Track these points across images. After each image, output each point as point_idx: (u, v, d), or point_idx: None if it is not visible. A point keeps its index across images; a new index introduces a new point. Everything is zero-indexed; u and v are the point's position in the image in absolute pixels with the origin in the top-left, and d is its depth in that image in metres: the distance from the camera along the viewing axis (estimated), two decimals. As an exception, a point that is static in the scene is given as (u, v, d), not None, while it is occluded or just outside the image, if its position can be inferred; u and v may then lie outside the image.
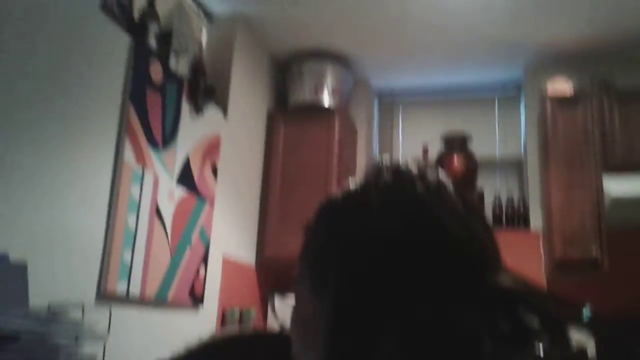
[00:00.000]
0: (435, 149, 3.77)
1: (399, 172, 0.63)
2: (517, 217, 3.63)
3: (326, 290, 0.60)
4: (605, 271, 3.13)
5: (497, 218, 3.64)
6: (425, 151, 3.77)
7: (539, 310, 0.54)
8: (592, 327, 0.54)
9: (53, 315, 1.39)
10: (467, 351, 0.48)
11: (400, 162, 0.65)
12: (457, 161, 3.65)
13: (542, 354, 0.61)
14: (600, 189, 3.19)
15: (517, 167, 3.93)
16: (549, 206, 3.31)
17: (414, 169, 0.64)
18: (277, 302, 3.19)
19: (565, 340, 0.53)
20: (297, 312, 0.66)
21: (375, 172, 0.65)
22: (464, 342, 0.49)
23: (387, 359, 0.49)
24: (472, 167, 3.66)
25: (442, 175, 0.64)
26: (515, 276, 0.57)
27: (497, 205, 3.68)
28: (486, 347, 0.49)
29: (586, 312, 0.57)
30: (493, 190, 3.78)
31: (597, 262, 3.11)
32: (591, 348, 2.95)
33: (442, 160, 3.66)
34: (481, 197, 3.71)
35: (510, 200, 3.69)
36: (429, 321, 0.51)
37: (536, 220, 3.57)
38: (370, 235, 0.59)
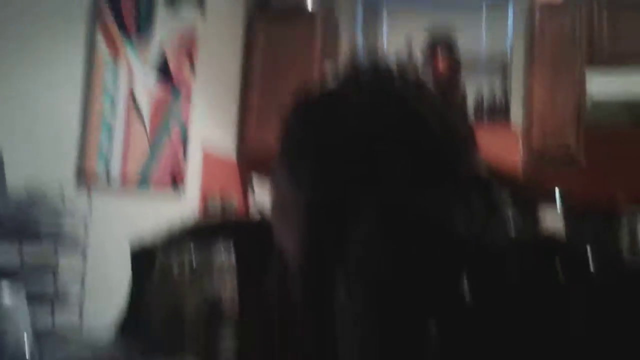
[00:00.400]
0: (420, 52, 3.71)
1: (377, 69, 0.65)
2: (499, 116, 3.65)
3: (303, 182, 0.61)
4: (582, 167, 3.21)
5: (478, 117, 3.67)
6: (409, 50, 3.71)
7: (511, 192, 0.57)
8: (564, 211, 0.59)
9: (33, 199, 1.39)
10: (442, 228, 0.50)
11: (379, 60, 0.67)
12: (441, 60, 3.60)
13: (513, 233, 0.65)
14: (583, 89, 3.20)
15: (501, 68, 3.90)
16: (531, 105, 3.34)
17: (391, 63, 0.65)
18: (257, 188, 3.25)
19: (536, 220, 0.57)
20: (276, 200, 0.68)
21: (354, 69, 0.67)
22: (438, 221, 0.51)
23: (365, 239, 0.51)
24: (456, 66, 3.63)
25: (420, 69, 0.66)
26: (488, 165, 0.60)
27: (479, 104, 3.69)
28: (459, 225, 0.52)
29: (558, 195, 0.62)
30: (476, 90, 3.77)
31: (574, 157, 3.19)
32: (560, 231, 3.08)
33: (427, 59, 3.61)
34: (464, 96, 3.71)
35: (492, 100, 3.70)
36: (404, 204, 0.53)
37: (517, 119, 3.61)
38: (348, 130, 0.60)
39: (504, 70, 3.85)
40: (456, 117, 0.63)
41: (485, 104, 3.67)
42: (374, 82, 0.63)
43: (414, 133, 0.59)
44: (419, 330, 0.46)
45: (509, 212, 0.52)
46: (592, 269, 0.49)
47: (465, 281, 0.47)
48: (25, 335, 1.05)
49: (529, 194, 0.68)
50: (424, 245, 0.49)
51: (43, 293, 1.38)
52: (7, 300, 1.04)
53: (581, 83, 3.22)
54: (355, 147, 0.59)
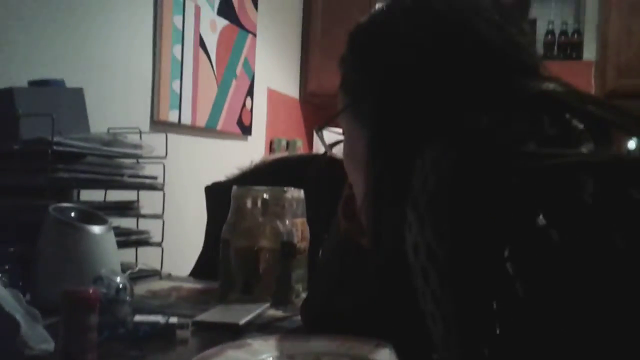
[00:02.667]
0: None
1: None
2: (570, 48, 3.48)
3: (365, 112, 0.61)
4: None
5: (548, 48, 3.51)
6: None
7: (585, 114, 0.52)
8: None
9: (114, 137, 1.46)
10: (513, 150, 0.47)
11: None
12: (509, -13, 3.44)
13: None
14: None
15: (575, -4, 3.69)
16: (606, 34, 3.16)
17: None
18: (326, 134, 3.26)
19: (610, 144, 0.51)
20: (345, 141, 0.68)
21: None
22: (508, 144, 0.48)
23: (431, 164, 0.49)
24: (525, -6, 3.46)
25: None
26: (560, 82, 0.55)
27: (549, 35, 3.52)
28: (530, 148, 0.48)
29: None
30: (547, 19, 3.59)
31: (650, 91, 3.03)
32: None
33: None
34: (533, 26, 3.55)
35: (564, 30, 3.52)
36: (472, 128, 0.50)
37: (590, 52, 3.43)
38: (398, 53, 0.58)
39: (578, 0, 3.65)
40: (514, 28, 0.58)
41: (556, 36, 3.51)
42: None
43: (469, 44, 0.56)
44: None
45: (583, 134, 0.46)
46: None
47: (539, 203, 0.42)
48: (115, 265, 1.14)
49: (605, 112, 0.60)
50: (501, 164, 0.45)
51: (127, 230, 1.47)
52: (97, 230, 1.12)
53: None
54: (412, 65, 0.57)
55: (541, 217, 0.41)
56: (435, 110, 0.54)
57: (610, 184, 0.43)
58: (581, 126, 0.51)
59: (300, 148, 3.33)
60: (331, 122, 0.70)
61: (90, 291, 0.77)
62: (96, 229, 1.10)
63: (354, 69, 0.65)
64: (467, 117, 0.51)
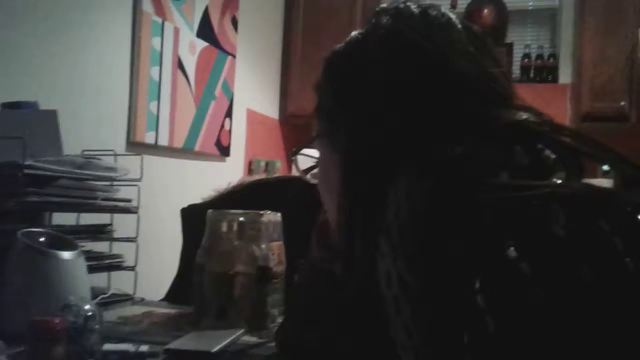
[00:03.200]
0: (464, 1, 3.60)
1: (398, 13, 0.61)
2: (546, 71, 3.54)
3: (339, 140, 0.60)
4: (633, 122, 3.10)
5: (525, 72, 3.57)
6: (454, 1, 3.60)
7: (557, 144, 0.52)
8: (614, 161, 0.52)
9: (87, 160, 1.44)
10: (486, 182, 0.47)
11: (402, 3, 0.62)
12: (486, 12, 3.50)
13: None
14: (636, 39, 3.07)
15: (550, 18, 3.75)
16: (581, 57, 3.22)
17: (414, 8, 0.61)
18: (302, 159, 3.24)
19: (582, 174, 0.51)
20: (320, 166, 0.68)
21: (375, 16, 0.62)
22: (481, 175, 0.48)
23: (406, 194, 0.49)
24: (502, 18, 3.52)
25: (447, 12, 0.61)
26: (532, 111, 0.55)
27: (526, 59, 3.58)
28: (502, 179, 0.48)
29: (610, 149, 0.54)
30: (523, 43, 3.65)
31: (624, 113, 3.08)
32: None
33: (471, 11, 3.51)
34: (510, 50, 3.60)
35: (540, 54, 3.58)
36: (445, 159, 0.50)
37: (565, 74, 3.49)
38: (372, 81, 0.58)
39: (553, 22, 3.72)
40: (487, 58, 0.58)
41: (532, 59, 3.56)
42: (394, 25, 0.60)
43: (441, 76, 0.56)
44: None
45: (554, 164, 0.46)
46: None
47: (510, 234, 0.42)
48: (84, 291, 1.11)
49: (578, 142, 0.60)
50: (473, 195, 0.45)
51: (100, 254, 1.44)
52: (67, 256, 1.09)
53: (634, 37, 3.07)
54: (383, 101, 0.57)
55: (512, 249, 0.41)
56: (408, 140, 0.54)
57: (581, 215, 0.43)
58: (553, 156, 0.52)
59: (280, 169, 3.32)
60: (307, 147, 0.70)
61: (57, 320, 0.75)
62: (65, 255, 1.08)
63: (328, 95, 0.64)
64: (440, 147, 0.51)
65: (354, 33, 0.64)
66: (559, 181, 0.50)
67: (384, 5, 0.64)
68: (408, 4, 0.62)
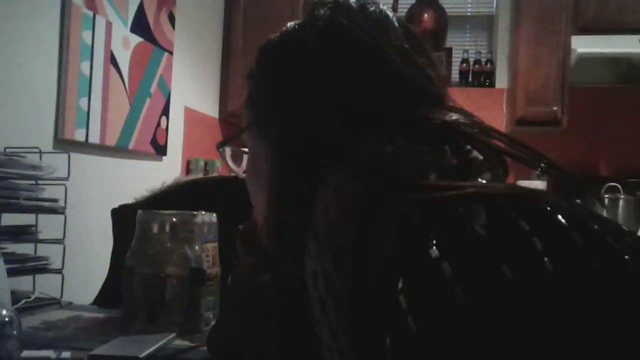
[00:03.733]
0: (405, 5, 3.65)
1: (336, 6, 0.60)
2: (484, 76, 3.64)
3: (270, 132, 0.59)
4: (565, 128, 3.23)
5: (463, 76, 3.65)
6: (395, 5, 3.65)
7: (484, 144, 0.53)
8: (538, 164, 0.53)
9: (9, 157, 1.36)
10: (413, 182, 0.47)
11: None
12: (427, 16, 3.55)
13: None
14: (567, 47, 3.19)
15: (487, 24, 3.86)
16: (516, 63, 3.32)
17: (353, 3, 0.61)
18: (229, 152, 3.20)
19: (507, 174, 0.53)
20: (249, 159, 0.66)
21: (313, 8, 0.61)
22: (410, 174, 0.48)
23: (334, 192, 0.48)
24: (442, 23, 3.58)
25: (385, 9, 0.61)
26: (462, 112, 0.56)
27: (464, 63, 3.67)
28: (430, 180, 0.48)
29: (534, 151, 0.55)
30: (462, 48, 3.74)
31: (557, 118, 3.20)
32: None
33: (412, 15, 3.56)
34: (449, 54, 3.68)
35: (477, 59, 3.67)
36: (374, 158, 0.50)
37: (501, 79, 3.60)
38: (306, 71, 0.57)
39: (490, 27, 3.82)
40: (422, 57, 0.59)
41: (470, 64, 3.65)
42: (331, 17, 0.59)
43: (374, 72, 0.56)
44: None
45: (482, 165, 0.47)
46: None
47: (433, 234, 0.42)
48: (3, 296, 1.05)
49: (507, 144, 0.62)
50: (400, 195, 0.45)
51: (23, 257, 1.37)
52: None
53: (566, 42, 3.20)
54: (316, 90, 0.56)
55: (434, 248, 0.40)
56: (338, 135, 0.53)
57: (501, 215, 0.43)
58: (481, 157, 0.52)
59: (219, 168, 3.26)
60: (235, 138, 0.68)
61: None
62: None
63: (261, 85, 0.63)
64: (370, 145, 0.51)
65: (290, 23, 0.63)
66: (484, 182, 0.50)
67: None
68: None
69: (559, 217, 0.43)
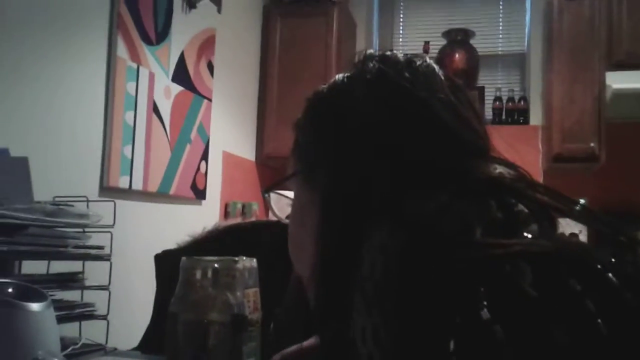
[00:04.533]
0: (436, 46, 3.69)
1: (384, 59, 0.62)
2: (517, 113, 3.62)
3: (317, 179, 0.60)
4: (603, 164, 3.17)
5: (497, 114, 3.64)
6: (426, 46, 3.69)
7: (530, 199, 0.52)
8: (585, 217, 0.53)
9: (58, 207, 1.42)
10: (459, 239, 0.47)
11: (388, 51, 0.63)
12: (458, 56, 3.58)
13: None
14: (602, 83, 3.16)
15: (519, 62, 3.86)
16: (550, 100, 3.31)
17: (400, 56, 0.62)
18: (275, 197, 3.23)
19: (555, 228, 0.52)
20: (294, 207, 0.67)
21: (362, 61, 0.63)
22: (455, 230, 0.48)
23: (379, 250, 0.48)
24: (473, 62, 3.61)
25: (432, 62, 0.62)
26: (507, 164, 0.56)
27: (497, 101, 3.66)
28: (477, 235, 0.48)
29: (581, 205, 0.55)
30: (494, 86, 3.74)
31: (594, 154, 3.15)
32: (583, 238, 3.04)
33: (443, 56, 3.59)
34: (482, 93, 3.68)
35: (510, 97, 3.67)
36: (418, 214, 0.50)
37: (536, 116, 3.58)
38: (355, 121, 0.58)
39: (522, 65, 3.82)
40: (468, 109, 0.59)
41: (503, 102, 3.65)
42: (381, 70, 0.60)
43: (422, 124, 0.56)
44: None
45: (528, 219, 0.47)
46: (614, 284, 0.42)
47: (483, 294, 0.42)
48: (53, 344, 1.07)
49: (549, 196, 0.60)
50: (446, 253, 0.45)
51: (70, 304, 1.41)
52: (35, 307, 1.06)
53: (600, 79, 3.17)
54: (362, 142, 0.57)
55: (485, 310, 0.41)
56: (383, 189, 0.54)
57: (550, 274, 0.43)
58: (526, 211, 0.52)
59: (257, 211, 3.31)
60: (281, 186, 0.69)
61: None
62: (34, 306, 1.04)
63: (308, 132, 0.64)
64: (415, 200, 0.51)
65: (338, 75, 0.65)
66: (530, 236, 0.50)
67: (370, 51, 0.64)
68: (394, 51, 0.63)
69: (610, 275, 0.43)
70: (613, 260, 0.45)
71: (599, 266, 0.44)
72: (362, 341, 0.47)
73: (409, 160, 0.55)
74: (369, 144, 0.56)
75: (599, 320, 0.40)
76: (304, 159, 0.64)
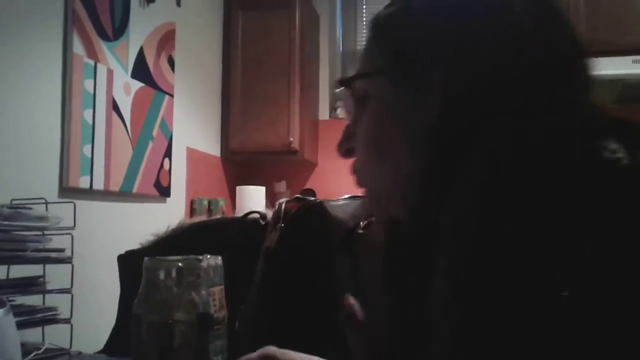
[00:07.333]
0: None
1: None
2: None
3: (426, 82, 0.56)
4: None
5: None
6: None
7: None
8: None
9: (16, 210, 1.38)
10: (566, 172, 0.42)
11: None
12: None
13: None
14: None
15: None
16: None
17: None
18: (241, 193, 3.22)
19: None
20: (372, 109, 0.61)
21: None
22: (562, 160, 0.43)
23: (488, 155, 0.46)
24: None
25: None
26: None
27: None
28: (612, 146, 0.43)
29: None
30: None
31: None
32: None
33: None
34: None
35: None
36: (547, 119, 0.47)
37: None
38: (480, 20, 0.55)
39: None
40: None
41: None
42: None
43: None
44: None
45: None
46: None
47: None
48: (14, 352, 1.05)
49: None
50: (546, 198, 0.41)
51: (32, 308, 1.38)
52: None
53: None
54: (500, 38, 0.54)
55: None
56: (512, 90, 0.52)
57: None
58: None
59: (223, 207, 3.28)
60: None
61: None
62: (-8, 314, 1.02)
63: (423, 27, 0.58)
64: (541, 107, 0.50)
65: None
66: None
67: None
68: None
69: None
70: None
71: None
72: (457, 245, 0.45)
73: (540, 72, 0.53)
74: (491, 47, 0.54)
75: None
76: (408, 56, 0.58)
